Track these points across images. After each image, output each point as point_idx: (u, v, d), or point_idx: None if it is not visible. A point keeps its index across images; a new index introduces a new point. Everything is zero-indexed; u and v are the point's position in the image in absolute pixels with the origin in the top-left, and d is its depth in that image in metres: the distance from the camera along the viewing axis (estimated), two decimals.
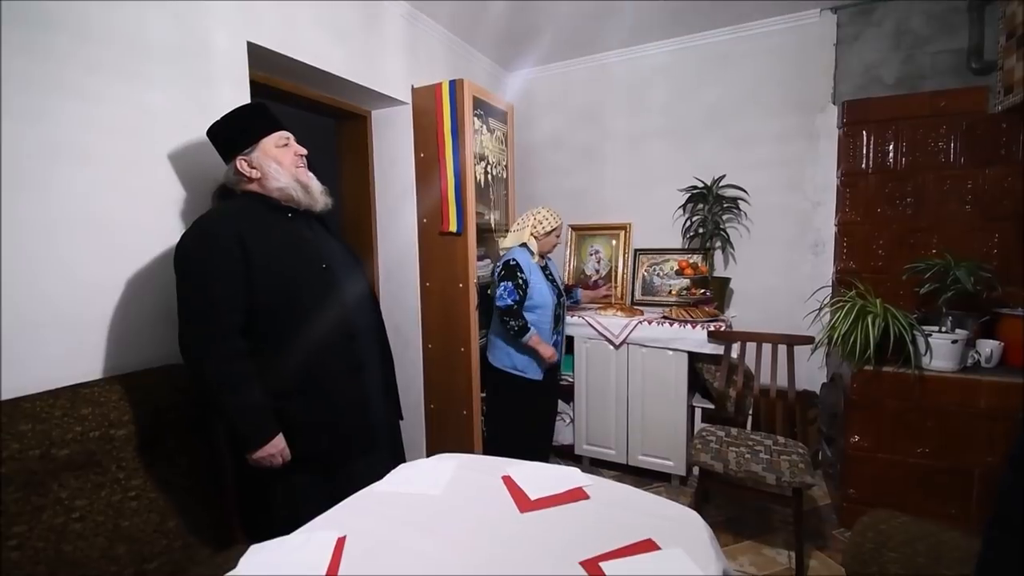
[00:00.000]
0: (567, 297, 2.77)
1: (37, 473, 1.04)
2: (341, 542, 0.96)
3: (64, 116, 1.26)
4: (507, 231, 2.88)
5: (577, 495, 1.13)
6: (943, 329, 2.01)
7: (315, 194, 1.39)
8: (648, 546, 0.93)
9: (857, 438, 2.12)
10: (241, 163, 1.31)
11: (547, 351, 2.29)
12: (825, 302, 2.32)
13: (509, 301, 2.22)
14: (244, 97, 1.74)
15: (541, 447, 2.54)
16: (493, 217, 2.80)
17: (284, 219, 1.34)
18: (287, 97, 2.21)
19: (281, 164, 1.34)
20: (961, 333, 1.98)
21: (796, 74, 2.68)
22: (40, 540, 1.02)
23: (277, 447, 1.23)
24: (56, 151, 1.25)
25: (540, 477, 1.20)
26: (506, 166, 2.87)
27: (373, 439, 1.43)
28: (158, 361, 1.43)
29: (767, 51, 2.74)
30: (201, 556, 1.29)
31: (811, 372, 2.71)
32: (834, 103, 2.59)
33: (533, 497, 1.11)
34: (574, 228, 3.33)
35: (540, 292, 2.30)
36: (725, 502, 2.41)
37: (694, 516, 1.05)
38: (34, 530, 1.02)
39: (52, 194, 1.24)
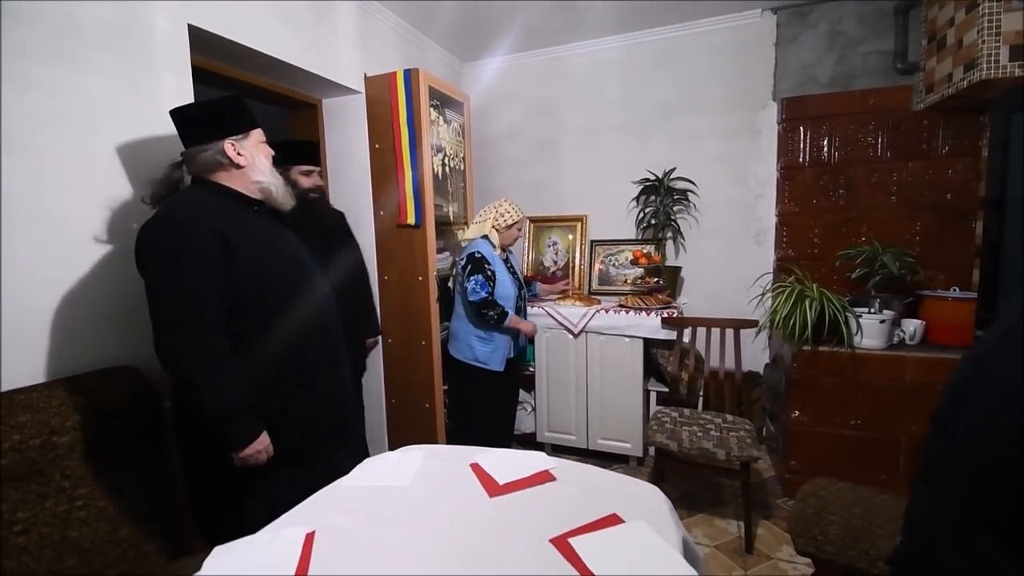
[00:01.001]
0: (528, 289, 2.81)
1: None
2: (310, 538, 0.95)
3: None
4: (466, 223, 2.88)
5: (544, 477, 1.16)
6: (872, 310, 2.19)
7: (286, 195, 1.38)
8: (613, 520, 0.98)
9: (797, 413, 2.28)
10: (230, 146, 1.25)
11: (527, 326, 2.38)
12: (767, 288, 2.46)
13: (483, 294, 2.24)
14: (187, 84, 1.66)
15: (503, 436, 2.58)
16: (451, 209, 2.79)
17: (253, 213, 1.31)
18: (232, 84, 2.11)
19: (267, 159, 1.33)
20: (888, 314, 2.16)
21: (739, 72, 2.81)
22: None
23: (263, 444, 1.20)
24: None
25: (508, 463, 1.23)
26: (463, 158, 2.86)
27: (349, 431, 1.43)
28: (103, 363, 1.35)
29: (713, 49, 2.86)
30: (157, 564, 1.24)
31: (755, 354, 2.88)
32: (774, 100, 2.74)
33: (501, 482, 1.14)
34: (532, 220, 3.37)
35: (503, 284, 2.32)
36: (679, 479, 2.54)
37: (655, 491, 1.11)
38: None
39: None
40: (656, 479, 2.22)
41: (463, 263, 2.30)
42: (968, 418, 0.71)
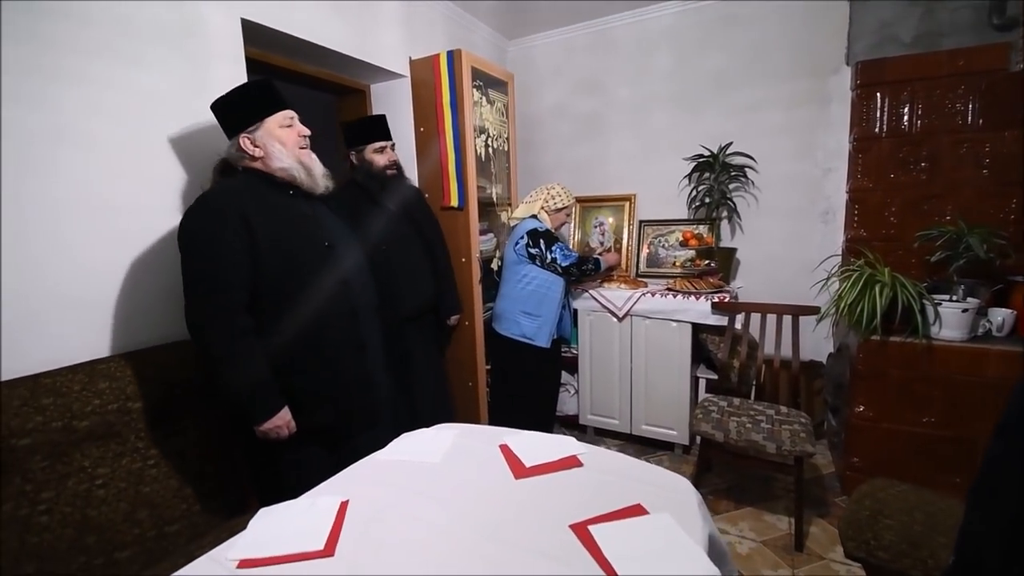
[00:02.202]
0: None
1: (60, 444, 1.11)
2: (344, 506, 1.01)
3: (65, 101, 1.28)
4: (509, 204, 2.88)
5: (571, 463, 1.16)
6: (954, 298, 1.98)
7: (317, 177, 1.40)
8: (637, 511, 0.96)
9: (862, 408, 2.12)
10: (244, 140, 1.32)
11: (612, 258, 2.54)
12: (833, 271, 2.28)
13: (573, 257, 2.30)
14: (241, 75, 1.74)
15: (545, 417, 2.58)
16: (495, 191, 2.79)
17: (286, 197, 1.36)
18: (285, 74, 2.20)
19: (284, 144, 1.34)
20: (972, 302, 1.95)
21: (807, 35, 2.58)
22: (67, 505, 1.09)
23: (283, 419, 1.27)
24: (59, 136, 1.27)
25: (536, 446, 1.24)
26: (507, 138, 2.84)
27: (375, 415, 1.47)
28: (168, 338, 1.48)
29: (778, 10, 2.63)
30: (217, 520, 1.37)
31: (818, 343, 2.70)
32: (847, 64, 2.49)
33: (528, 464, 1.15)
34: (579, 200, 3.29)
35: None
36: (728, 471, 2.45)
37: (684, 483, 1.08)
38: (61, 496, 1.09)
39: (58, 179, 1.27)
40: (702, 468, 2.16)
41: (525, 240, 2.28)
42: None
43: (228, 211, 1.22)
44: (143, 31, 1.45)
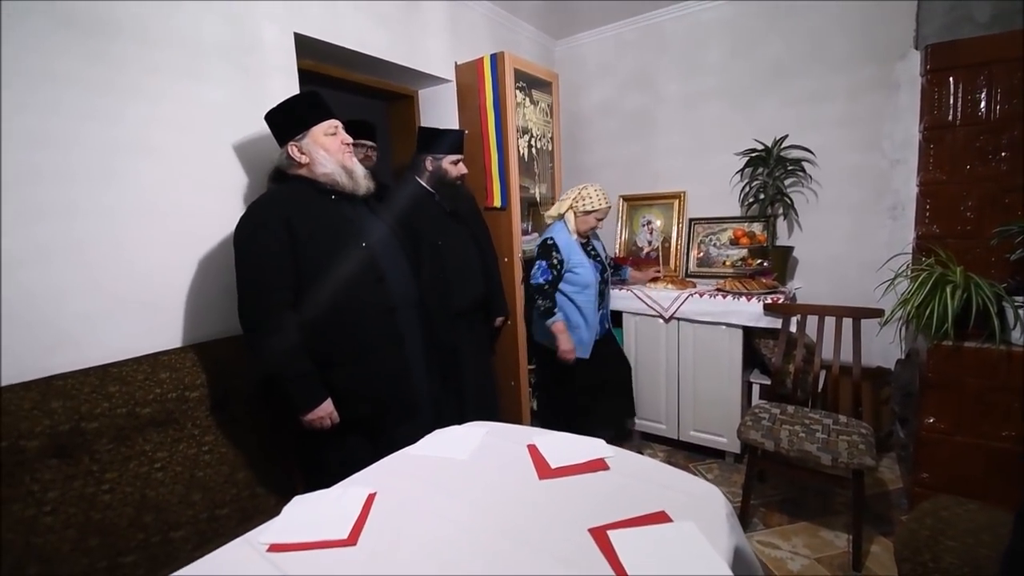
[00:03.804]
0: (616, 273, 2.72)
1: (124, 428, 1.23)
2: (371, 497, 1.05)
3: (133, 116, 1.42)
4: (553, 204, 2.87)
5: (597, 466, 1.15)
6: None
7: (358, 179, 1.48)
8: (660, 518, 0.94)
9: (932, 419, 1.94)
10: (292, 148, 1.42)
11: (565, 343, 2.23)
12: (900, 271, 2.11)
13: (541, 280, 2.22)
14: (294, 86, 1.85)
15: (596, 424, 2.44)
16: (539, 190, 2.79)
17: (329, 201, 1.44)
18: (336, 83, 2.31)
19: (328, 151, 1.43)
20: None
21: (871, 18, 2.39)
22: (128, 486, 1.21)
23: (326, 411, 1.35)
24: (132, 148, 1.41)
25: (563, 447, 1.23)
26: (551, 138, 2.83)
27: (413, 408, 1.52)
28: (226, 332, 1.60)
29: None
30: (266, 505, 1.46)
31: (885, 348, 2.50)
32: (916, 48, 2.29)
33: (554, 466, 1.15)
34: (625, 199, 3.24)
35: (583, 270, 2.26)
36: (783, 483, 2.32)
37: (715, 492, 1.04)
38: (123, 477, 1.21)
39: (130, 186, 1.41)
40: (753, 479, 2.06)
41: (536, 247, 2.30)
42: None
43: (271, 218, 1.32)
44: (206, 49, 1.58)
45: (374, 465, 1.21)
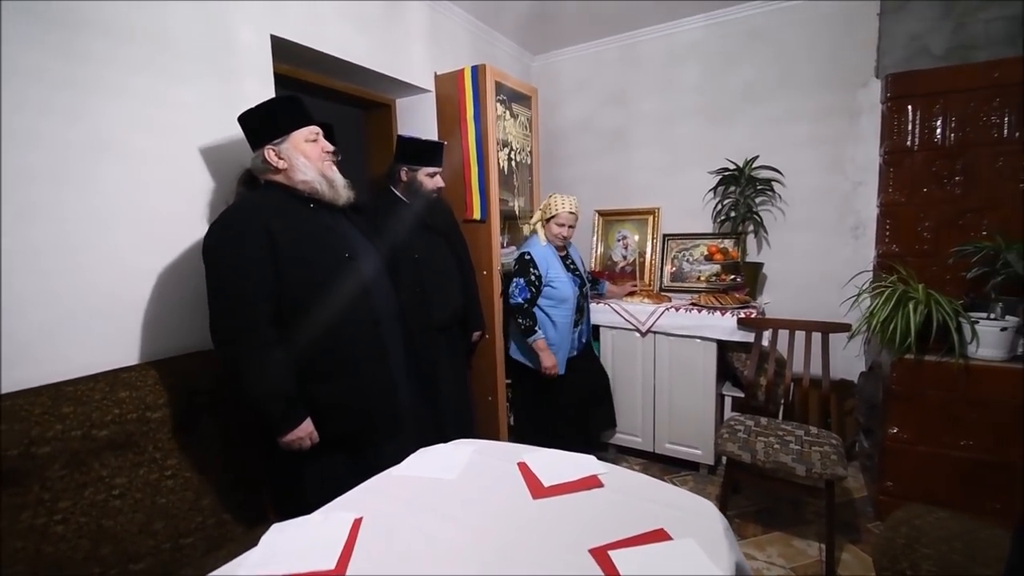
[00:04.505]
0: (594, 287, 2.73)
1: (79, 453, 1.12)
2: (357, 523, 0.99)
3: (95, 112, 1.32)
4: (531, 218, 2.87)
5: (591, 483, 1.12)
6: (992, 316, 1.89)
7: (339, 188, 1.43)
8: (659, 536, 0.92)
9: (896, 429, 2.03)
10: (269, 152, 1.34)
11: (548, 360, 2.23)
12: (864, 288, 2.21)
13: (520, 299, 2.21)
14: (269, 90, 1.78)
15: (575, 438, 2.45)
16: (518, 204, 2.79)
17: (307, 209, 1.38)
18: (312, 88, 2.25)
19: (309, 158, 1.37)
20: (1011, 320, 1.86)
21: (836, 47, 2.53)
22: (83, 515, 1.10)
23: (306, 431, 1.27)
24: (89, 147, 1.31)
25: (555, 464, 1.20)
26: (530, 152, 2.84)
27: (399, 423, 1.46)
28: (191, 347, 1.50)
29: (807, 23, 2.59)
30: (234, 533, 1.36)
31: (849, 361, 2.61)
32: (877, 77, 2.44)
33: (547, 484, 1.12)
34: (601, 213, 3.28)
35: (562, 284, 2.26)
36: (756, 493, 2.36)
37: (709, 507, 1.03)
38: (77, 505, 1.09)
39: (91, 188, 1.31)
40: (728, 490, 2.09)
41: (514, 263, 2.29)
42: None
43: (251, 226, 1.25)
44: (177, 46, 1.50)
45: (357, 488, 1.14)
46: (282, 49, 1.86)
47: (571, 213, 2.29)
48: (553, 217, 2.28)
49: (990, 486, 1.87)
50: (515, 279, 2.24)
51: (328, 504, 1.07)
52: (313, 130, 1.40)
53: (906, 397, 2.00)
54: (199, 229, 1.51)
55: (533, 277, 2.22)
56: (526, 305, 2.21)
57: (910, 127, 2.28)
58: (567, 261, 2.37)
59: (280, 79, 1.95)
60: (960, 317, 1.86)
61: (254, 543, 0.96)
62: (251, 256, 1.23)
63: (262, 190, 1.38)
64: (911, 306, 1.88)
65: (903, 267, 2.08)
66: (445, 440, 1.40)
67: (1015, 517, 1.81)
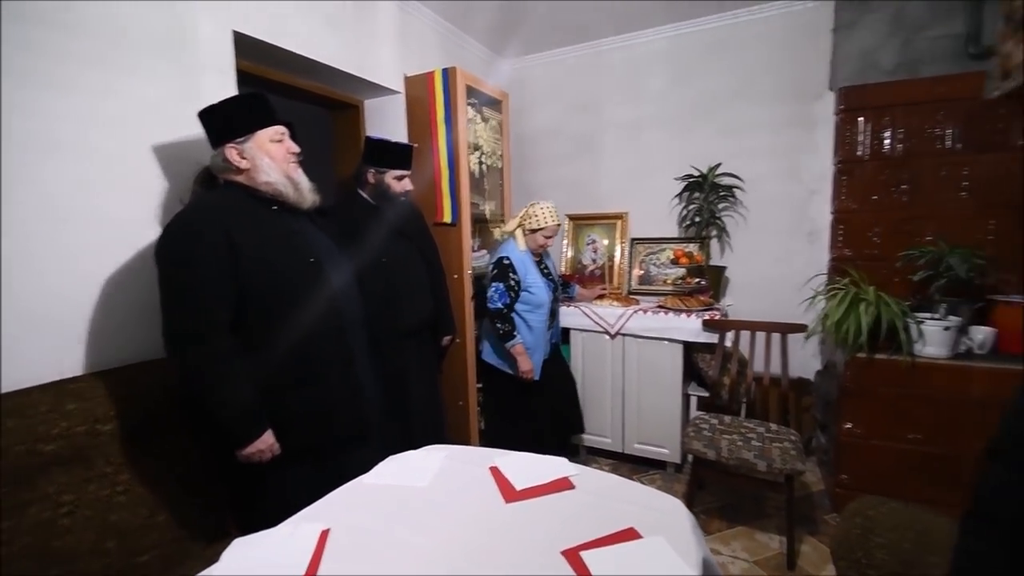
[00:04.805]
0: (564, 291, 2.76)
1: (23, 469, 1.05)
2: (325, 534, 0.96)
3: (40, 107, 1.24)
4: (503, 221, 2.88)
5: (563, 485, 1.13)
6: (936, 316, 2.01)
7: (304, 191, 1.38)
8: (630, 535, 0.94)
9: (850, 425, 2.13)
10: (231, 151, 1.29)
11: (525, 364, 2.23)
12: (819, 290, 2.31)
13: (499, 304, 2.20)
14: (231, 87, 1.73)
15: (546, 441, 2.43)
16: (488, 207, 2.79)
17: (270, 212, 1.33)
18: (277, 87, 2.19)
19: (273, 159, 1.32)
20: (954, 320, 1.98)
21: (793, 61, 2.65)
22: (28, 535, 1.03)
23: (266, 443, 1.23)
24: (33, 143, 1.23)
25: (527, 467, 1.21)
26: (501, 155, 2.85)
27: (367, 432, 1.43)
28: (145, 356, 1.42)
29: (764, 38, 2.70)
30: (193, 550, 1.31)
31: (806, 360, 2.72)
32: (831, 90, 2.56)
33: (519, 487, 1.12)
34: (571, 218, 3.31)
35: (537, 290, 2.26)
36: (720, 489, 2.43)
37: (678, 505, 1.06)
38: (22, 525, 1.03)
39: (40, 188, 1.24)
40: (694, 487, 2.14)
41: (492, 267, 2.29)
42: None
43: (209, 228, 1.19)
44: (136, 41, 1.43)
45: (324, 499, 1.11)
46: (245, 46, 1.81)
47: (557, 225, 2.31)
48: (539, 230, 2.28)
49: (937, 476, 1.98)
50: (494, 284, 2.23)
51: (293, 516, 1.04)
52: (279, 130, 1.35)
53: (858, 394, 2.10)
54: (149, 232, 1.45)
55: (512, 282, 2.22)
56: (505, 310, 2.21)
57: (861, 138, 2.40)
58: (542, 267, 2.38)
59: (243, 76, 1.89)
60: (907, 317, 1.96)
61: (215, 559, 0.92)
62: (208, 260, 1.17)
63: (221, 190, 1.32)
64: (862, 307, 1.98)
65: (855, 270, 2.19)
66: (415, 447, 1.37)
67: (961, 505, 1.93)
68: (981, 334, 2.00)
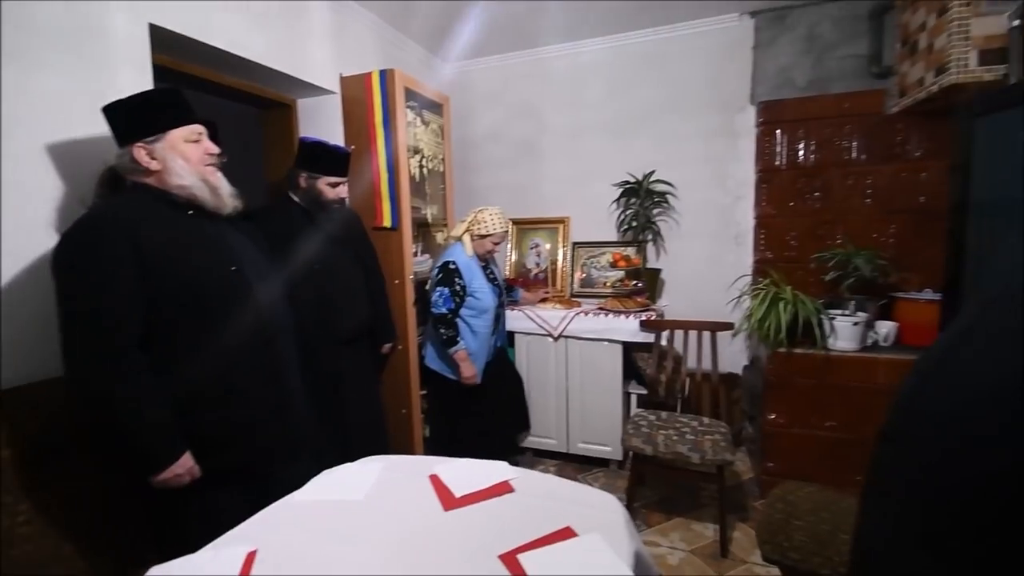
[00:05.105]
0: (509, 295, 2.78)
1: None
2: (251, 557, 0.92)
3: None
4: (445, 225, 2.86)
5: (503, 489, 1.14)
6: (846, 312, 2.19)
7: (223, 196, 1.29)
8: (566, 534, 0.96)
9: (774, 415, 2.28)
10: (140, 151, 1.18)
11: (468, 370, 2.23)
12: (744, 290, 2.46)
13: (444, 309, 2.19)
14: (147, 82, 1.61)
15: (498, 445, 2.48)
16: (430, 211, 2.76)
17: (184, 217, 1.24)
18: (202, 83, 2.07)
19: (188, 160, 1.23)
20: (862, 315, 2.17)
21: (719, 75, 2.81)
22: None
23: (184, 466, 1.14)
24: None
25: (467, 473, 1.21)
26: (443, 159, 2.83)
27: (297, 447, 1.37)
28: (45, 374, 1.29)
29: (693, 52, 2.85)
30: None
31: (735, 356, 2.88)
32: (752, 103, 2.74)
33: (458, 494, 1.12)
34: (515, 222, 3.34)
35: (484, 295, 2.27)
36: (659, 482, 2.53)
37: (612, 501, 1.09)
38: None
39: None
40: (635, 483, 2.22)
41: (436, 271, 2.27)
42: (917, 434, 0.69)
43: (113, 236, 1.10)
44: (41, 32, 1.32)
45: (251, 519, 1.05)
46: (165, 40, 1.70)
47: (505, 232, 2.32)
48: (488, 236, 2.29)
49: (850, 460, 2.15)
50: (439, 288, 2.20)
51: (218, 539, 0.98)
52: (195, 129, 1.26)
53: (780, 386, 2.25)
54: (46, 239, 1.31)
55: (458, 287, 2.21)
56: (450, 315, 2.19)
57: (779, 149, 2.60)
58: (488, 272, 2.39)
59: (163, 72, 1.78)
60: (821, 314, 2.14)
61: None
62: (112, 271, 1.08)
63: (128, 193, 1.22)
64: (781, 306, 2.13)
65: (775, 271, 2.36)
66: (354, 459, 1.33)
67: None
68: (885, 328, 2.21)
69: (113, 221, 1.12)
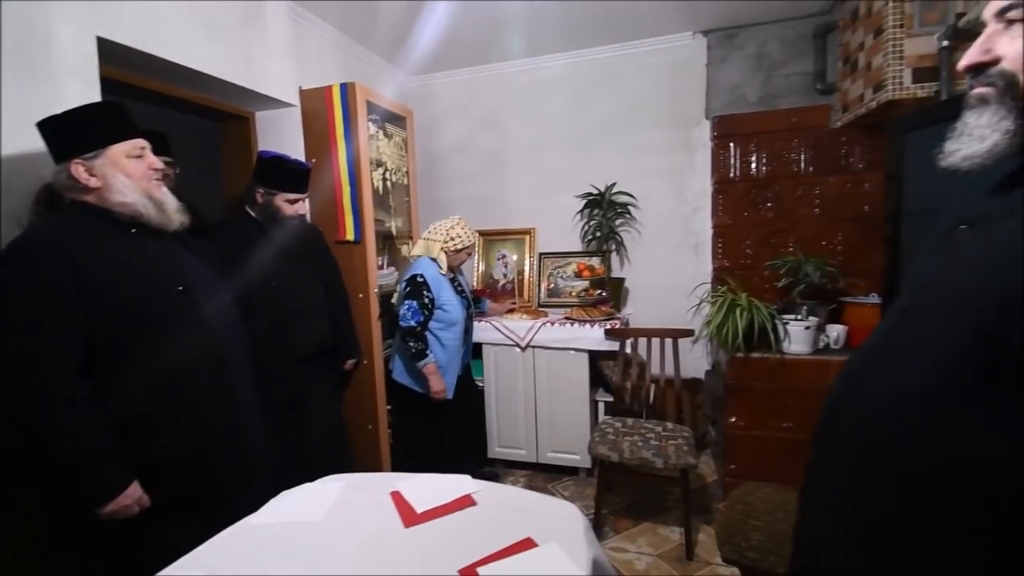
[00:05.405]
0: (476, 307, 2.79)
1: None
2: None
3: None
4: (410, 238, 2.85)
5: (464, 503, 1.14)
6: (798, 317, 2.29)
7: (169, 212, 1.25)
8: (526, 544, 0.97)
9: (734, 418, 2.35)
10: (78, 168, 1.13)
11: (437, 384, 2.22)
12: (704, 297, 2.54)
13: (412, 323, 2.17)
14: (95, 95, 1.56)
15: (466, 460, 2.47)
16: (395, 224, 2.75)
17: (128, 236, 1.19)
18: (155, 97, 2.02)
19: (131, 177, 1.18)
20: (813, 320, 2.27)
21: (675, 91, 2.91)
22: None
23: (132, 496, 1.10)
24: None
25: (429, 489, 1.20)
26: (407, 172, 2.83)
27: (253, 471, 1.33)
28: None
29: (650, 69, 2.95)
30: None
31: (697, 361, 2.96)
32: (707, 118, 2.85)
33: (420, 510, 1.11)
34: (481, 234, 3.36)
35: (451, 308, 2.26)
36: (627, 489, 2.56)
37: (572, 510, 1.11)
38: None
39: None
40: (603, 490, 2.24)
41: (404, 284, 2.26)
42: (844, 433, 0.73)
43: (51, 257, 1.06)
44: None
45: (205, 544, 1.02)
46: (115, 52, 1.65)
47: (474, 241, 2.35)
48: (464, 248, 2.30)
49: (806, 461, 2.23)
50: (407, 301, 2.19)
51: (169, 567, 0.95)
52: (137, 144, 1.21)
53: (739, 390, 2.33)
54: None
55: (427, 300, 2.20)
56: (418, 328, 2.18)
57: (733, 161, 2.71)
58: (456, 284, 2.39)
59: (113, 85, 1.73)
60: (775, 320, 2.22)
61: None
62: (50, 294, 1.04)
63: (67, 212, 1.17)
64: (738, 312, 2.21)
65: (732, 279, 2.44)
66: (315, 479, 1.31)
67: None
68: (836, 331, 2.31)
69: (50, 242, 1.08)
